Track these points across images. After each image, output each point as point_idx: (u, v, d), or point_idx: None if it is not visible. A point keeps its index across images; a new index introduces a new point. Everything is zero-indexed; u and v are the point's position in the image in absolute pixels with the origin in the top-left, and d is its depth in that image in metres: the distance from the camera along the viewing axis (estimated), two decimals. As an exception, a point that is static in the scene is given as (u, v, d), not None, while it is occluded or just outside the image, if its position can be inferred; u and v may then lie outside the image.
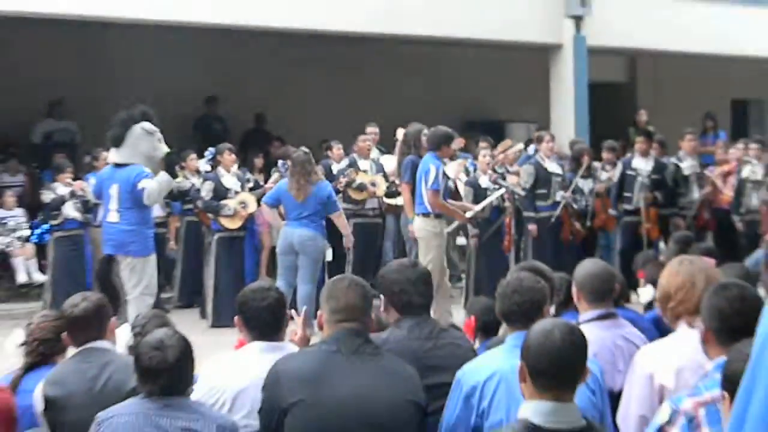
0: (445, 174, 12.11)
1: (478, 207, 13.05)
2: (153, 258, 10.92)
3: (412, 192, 12.15)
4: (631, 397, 4.88)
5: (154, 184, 10.67)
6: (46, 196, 13.84)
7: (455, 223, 12.92)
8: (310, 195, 12.16)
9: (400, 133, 13.35)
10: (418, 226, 11.92)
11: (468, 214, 12.75)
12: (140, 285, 10.71)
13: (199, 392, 4.89)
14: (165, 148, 10.97)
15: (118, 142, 10.88)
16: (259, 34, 16.77)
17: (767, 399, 1.58)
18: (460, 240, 13.91)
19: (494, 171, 14.04)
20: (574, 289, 5.80)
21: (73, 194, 13.53)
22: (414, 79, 19.01)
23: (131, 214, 10.73)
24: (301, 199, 12.15)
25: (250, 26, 16.10)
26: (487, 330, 6.35)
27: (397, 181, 14.20)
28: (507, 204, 13.59)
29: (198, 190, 13.42)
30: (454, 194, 12.99)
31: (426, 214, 11.84)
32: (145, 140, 10.77)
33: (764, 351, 1.61)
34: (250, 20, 15.84)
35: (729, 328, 4.09)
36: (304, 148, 12.49)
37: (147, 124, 10.78)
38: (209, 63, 17.79)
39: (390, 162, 14.59)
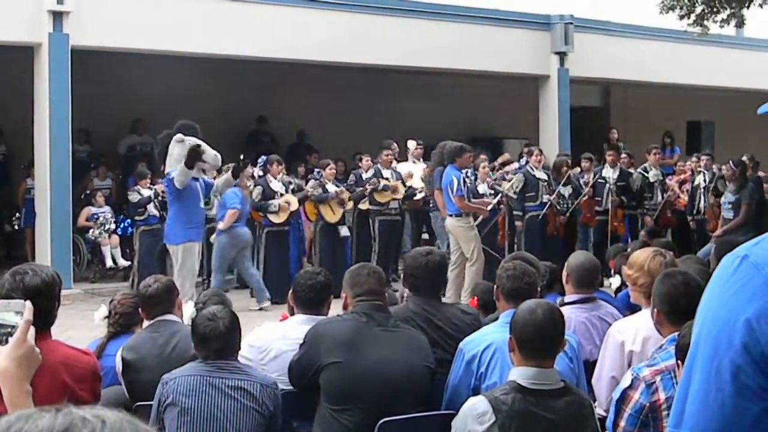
0: (465, 180, 12.16)
1: (494, 201, 13.15)
2: (190, 246, 10.37)
3: None
4: (605, 361, 4.87)
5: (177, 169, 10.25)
6: (134, 197, 13.83)
7: (480, 218, 12.89)
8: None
9: (411, 144, 13.33)
10: (452, 225, 12.07)
11: (488, 208, 12.83)
12: (181, 268, 10.35)
13: (249, 349, 4.91)
14: (193, 141, 10.39)
15: (162, 156, 10.70)
16: (301, 65, 16.76)
17: (705, 372, 1.54)
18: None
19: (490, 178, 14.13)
20: (564, 273, 5.77)
21: (156, 195, 13.49)
22: (428, 102, 18.96)
23: (171, 209, 10.61)
24: (249, 200, 12.71)
25: (294, 59, 16.11)
26: (486, 308, 6.32)
27: (407, 183, 14.32)
28: (501, 206, 13.65)
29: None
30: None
31: (458, 215, 11.98)
32: (177, 147, 10.36)
33: (703, 329, 1.57)
34: (295, 54, 15.85)
35: (677, 309, 4.04)
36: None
37: (179, 135, 10.33)
38: (261, 89, 17.79)
39: (404, 168, 14.61)
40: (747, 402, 1.49)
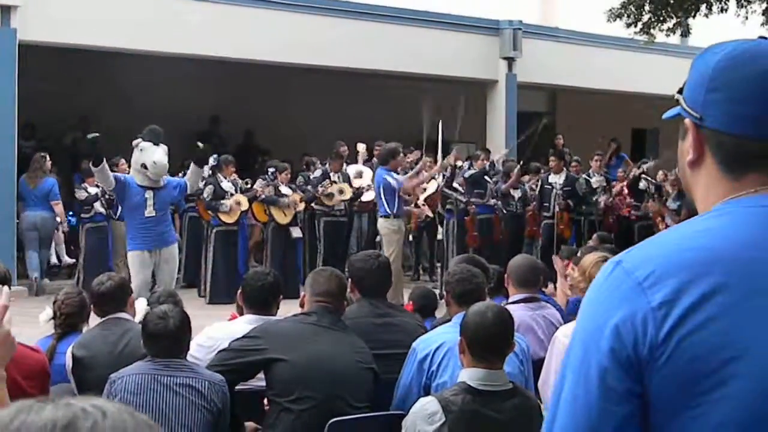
0: (397, 181, 12.15)
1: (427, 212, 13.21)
2: (133, 254, 10.06)
3: None
4: (551, 365, 4.93)
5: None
6: (81, 194, 13.68)
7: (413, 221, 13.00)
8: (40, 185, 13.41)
9: (361, 146, 13.36)
10: (382, 225, 11.99)
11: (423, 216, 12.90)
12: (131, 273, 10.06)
13: (198, 348, 4.93)
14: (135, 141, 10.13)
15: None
16: (253, 66, 16.70)
17: (575, 376, 1.57)
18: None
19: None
20: (506, 276, 5.85)
21: (104, 193, 13.30)
22: (377, 105, 18.97)
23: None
24: (33, 186, 13.49)
25: (246, 59, 16.06)
26: (423, 312, 6.37)
27: (357, 183, 14.33)
28: (470, 208, 13.73)
29: (201, 191, 13.31)
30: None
31: (386, 216, 11.89)
32: (134, 155, 10.29)
33: (576, 334, 1.61)
34: (246, 54, 15.82)
35: None
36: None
37: (136, 140, 10.07)
38: (211, 89, 17.66)
39: (353, 168, 14.63)
40: (613, 405, 1.51)
